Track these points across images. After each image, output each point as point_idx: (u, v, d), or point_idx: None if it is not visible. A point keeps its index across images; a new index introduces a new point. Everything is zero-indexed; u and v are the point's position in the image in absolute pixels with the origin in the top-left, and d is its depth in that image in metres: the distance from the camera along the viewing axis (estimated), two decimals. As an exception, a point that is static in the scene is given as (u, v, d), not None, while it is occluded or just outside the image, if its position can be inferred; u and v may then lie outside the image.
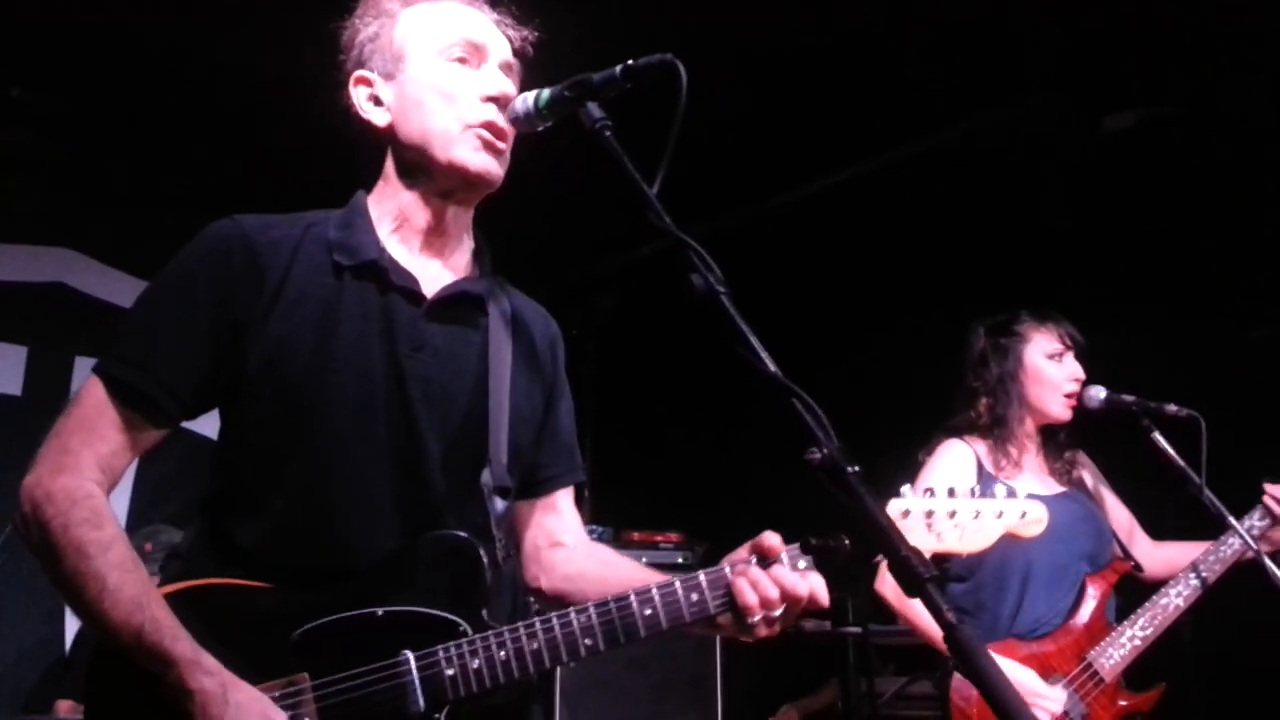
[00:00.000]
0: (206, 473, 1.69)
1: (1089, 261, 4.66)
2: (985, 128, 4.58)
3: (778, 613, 1.50)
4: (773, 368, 1.28)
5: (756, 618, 1.50)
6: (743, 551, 1.57)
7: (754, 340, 1.30)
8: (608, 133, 1.51)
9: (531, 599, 1.89)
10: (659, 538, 4.79)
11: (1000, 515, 1.71)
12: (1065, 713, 2.72)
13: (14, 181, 4.77)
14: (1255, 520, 2.88)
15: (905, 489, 1.69)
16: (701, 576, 1.54)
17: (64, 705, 4.44)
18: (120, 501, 4.85)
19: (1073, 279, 4.47)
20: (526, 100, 1.65)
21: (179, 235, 1.72)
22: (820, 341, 5.13)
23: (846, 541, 1.16)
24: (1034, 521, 1.74)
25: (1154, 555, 3.07)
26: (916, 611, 2.70)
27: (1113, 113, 4.49)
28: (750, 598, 1.49)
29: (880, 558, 1.12)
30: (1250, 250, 4.38)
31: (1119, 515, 3.12)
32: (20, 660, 4.77)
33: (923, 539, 1.66)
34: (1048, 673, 2.76)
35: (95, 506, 1.50)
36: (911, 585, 1.08)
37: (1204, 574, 2.86)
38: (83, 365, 5.02)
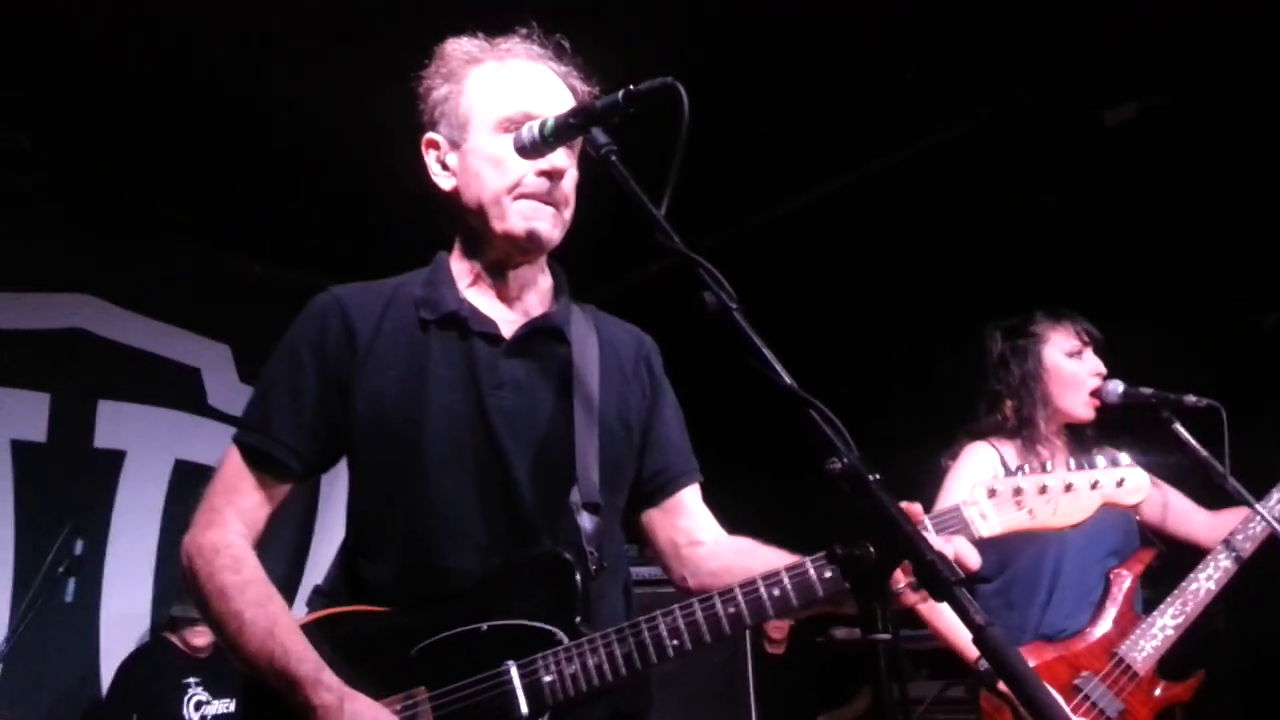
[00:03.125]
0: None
1: (1099, 255, 4.64)
2: (988, 124, 4.59)
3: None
4: (788, 380, 1.29)
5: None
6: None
7: (768, 354, 1.31)
8: (613, 157, 1.55)
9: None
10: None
11: (1095, 485, 1.66)
12: (1101, 710, 2.70)
13: (28, 230, 4.83)
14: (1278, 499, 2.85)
15: (987, 476, 1.67)
16: (783, 572, 1.62)
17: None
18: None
19: (1084, 273, 4.46)
20: (532, 129, 1.67)
21: (193, 279, 1.81)
22: (832, 347, 5.14)
23: (872, 549, 1.17)
24: (1134, 489, 1.68)
25: (1215, 525, 2.97)
26: (942, 617, 2.70)
27: (1114, 105, 4.50)
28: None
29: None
30: (1262, 236, 4.35)
31: (1161, 500, 3.06)
32: (56, 702, 4.81)
33: (1013, 517, 1.63)
34: (1078, 672, 2.75)
35: (236, 554, 1.71)
36: (938, 589, 1.09)
37: (1235, 552, 2.84)
38: (105, 409, 5.07)
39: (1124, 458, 1.71)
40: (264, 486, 1.78)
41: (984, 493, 1.64)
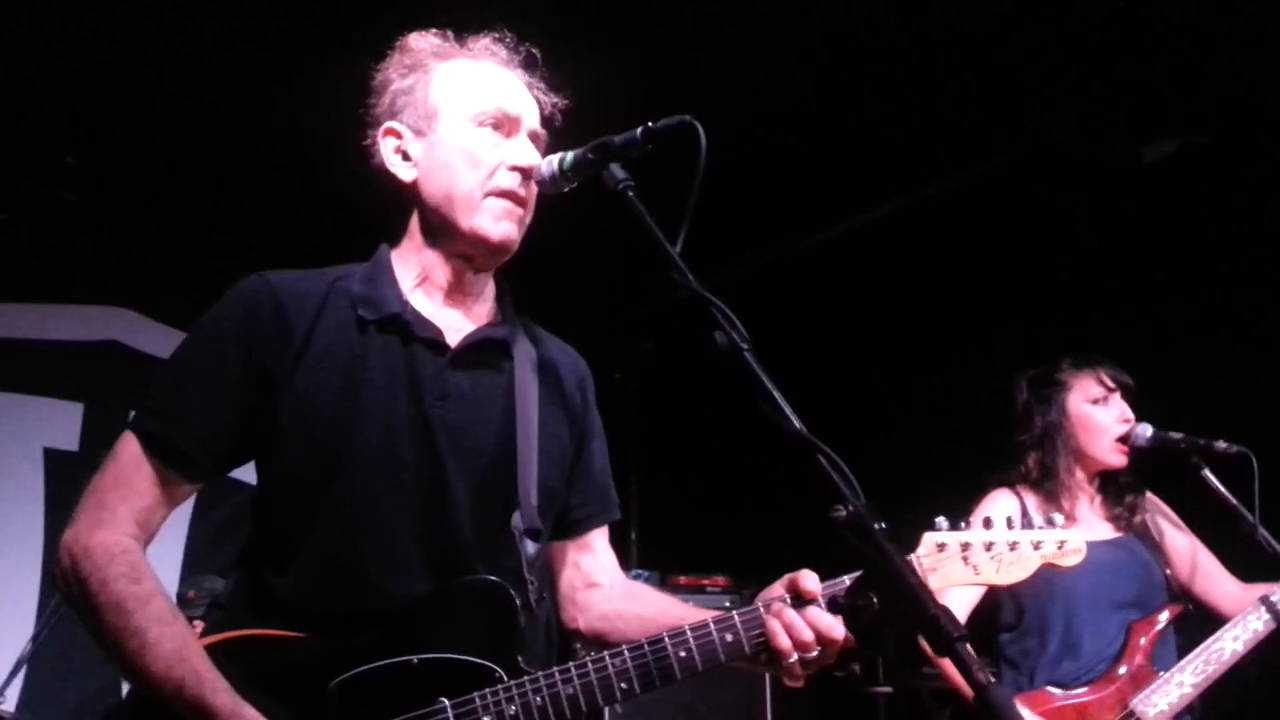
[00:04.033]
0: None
1: (1134, 295, 4.58)
2: (1024, 159, 4.55)
3: (813, 655, 1.48)
4: (797, 424, 1.28)
5: (792, 659, 1.49)
6: (778, 588, 1.55)
7: (778, 396, 1.31)
8: (630, 193, 1.55)
9: (578, 644, 1.90)
10: (706, 581, 4.76)
11: (1038, 546, 1.68)
12: None
13: (68, 242, 4.93)
14: None
15: (940, 520, 1.67)
16: (736, 617, 1.54)
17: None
18: (174, 552, 4.93)
19: (1117, 313, 4.40)
20: (551, 163, 1.68)
21: (227, 290, 1.75)
22: (858, 387, 5.10)
23: (875, 599, 1.15)
24: (1072, 551, 1.70)
25: (1240, 597, 2.89)
26: (949, 666, 2.65)
27: (1152, 142, 4.45)
28: (784, 641, 1.48)
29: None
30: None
31: (1193, 558, 3.00)
32: (80, 706, 4.85)
33: (960, 573, 1.65)
34: None
35: (132, 561, 1.53)
36: (940, 645, 1.07)
37: (1270, 614, 2.76)
38: (137, 421, 5.14)
39: (1059, 519, 1.73)
40: (165, 484, 1.59)
41: (934, 546, 1.64)
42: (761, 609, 1.53)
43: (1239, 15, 3.67)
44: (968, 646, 1.10)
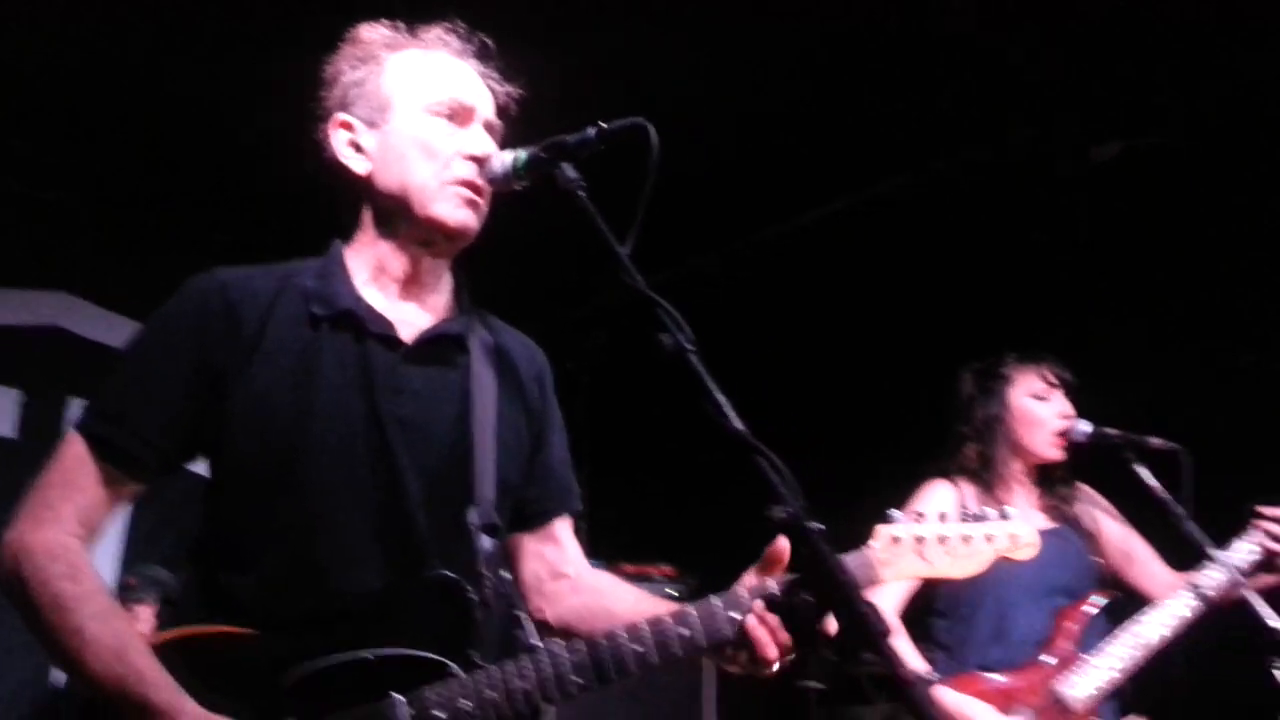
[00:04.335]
0: (198, 516, 1.71)
1: (1077, 293, 4.68)
2: (971, 162, 4.62)
3: (773, 652, 1.51)
4: (738, 425, 1.31)
5: (774, 664, 1.51)
6: (743, 590, 1.57)
7: (720, 398, 1.34)
8: (582, 193, 1.56)
9: (528, 637, 1.91)
10: (652, 570, 4.81)
11: (991, 540, 1.70)
12: None
13: (11, 225, 4.82)
14: (1239, 553, 2.85)
15: (895, 513, 1.70)
16: (693, 612, 1.56)
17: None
18: (114, 542, 4.86)
19: (1061, 312, 4.50)
20: (504, 160, 1.69)
21: (177, 279, 1.74)
22: (806, 383, 5.16)
23: (809, 598, 1.18)
24: (1026, 545, 1.72)
25: (1174, 584, 2.96)
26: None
27: (1099, 143, 4.54)
28: (771, 651, 1.50)
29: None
30: (1236, 276, 4.39)
31: (1126, 546, 3.09)
32: (13, 700, 4.77)
33: (914, 565, 1.66)
34: (1012, 706, 2.75)
35: (73, 561, 1.52)
36: (868, 641, 1.11)
37: (1195, 600, 2.82)
38: (78, 408, 5.03)
39: (1013, 511, 1.74)
40: (110, 483, 1.58)
41: (888, 538, 1.66)
42: (718, 604, 1.56)
43: (1201, 15, 3.73)
44: (895, 642, 1.14)
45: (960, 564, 1.68)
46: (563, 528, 1.92)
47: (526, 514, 1.86)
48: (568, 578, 1.88)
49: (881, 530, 1.67)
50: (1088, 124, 4.43)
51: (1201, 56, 3.96)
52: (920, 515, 1.70)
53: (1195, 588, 2.83)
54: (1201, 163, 4.34)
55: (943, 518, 1.70)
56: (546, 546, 1.89)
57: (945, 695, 2.67)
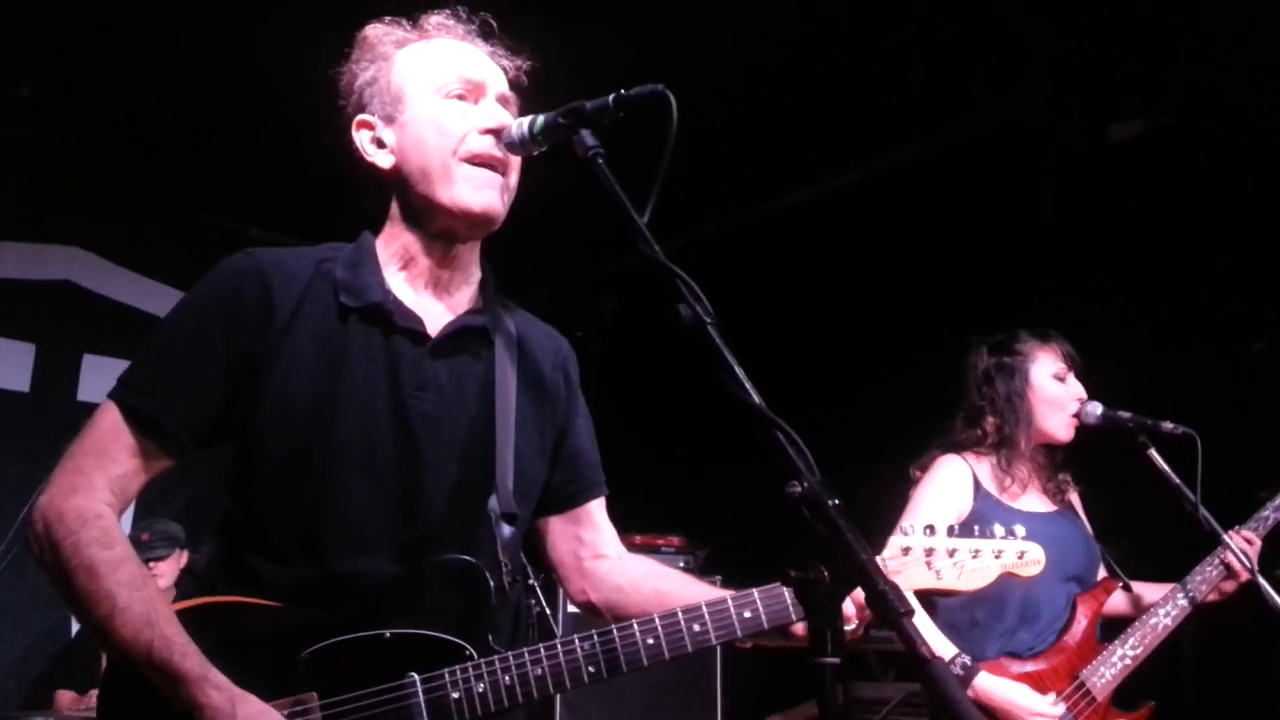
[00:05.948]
0: (223, 492, 1.74)
1: (1086, 273, 4.64)
2: (991, 130, 4.58)
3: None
4: (756, 399, 1.29)
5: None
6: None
7: (739, 371, 1.32)
8: (600, 160, 1.54)
9: (537, 619, 1.92)
10: (661, 541, 4.82)
11: (999, 555, 1.76)
12: None
13: (25, 180, 4.82)
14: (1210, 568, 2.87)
15: (908, 525, 1.74)
16: (705, 609, 1.61)
17: (65, 697, 4.49)
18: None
19: (1070, 291, 4.46)
20: (522, 125, 1.68)
21: (187, 235, 1.74)
22: (817, 353, 5.13)
23: (826, 574, 1.17)
24: (1032, 562, 1.78)
25: (1139, 599, 3.04)
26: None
27: (1118, 121, 4.49)
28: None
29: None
30: (1248, 261, 4.35)
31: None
32: (29, 651, 4.83)
33: (922, 576, 1.72)
34: (1040, 691, 2.76)
35: (105, 526, 1.55)
36: (888, 619, 1.10)
37: (1191, 594, 2.86)
38: (90, 363, 5.08)
39: (1020, 529, 1.80)
40: (142, 455, 1.60)
41: (899, 549, 1.70)
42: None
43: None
44: (915, 621, 1.13)
45: (967, 578, 1.74)
46: (597, 510, 1.94)
47: (556, 498, 1.90)
48: (608, 558, 1.91)
49: (893, 540, 1.71)
50: (1102, 100, 4.38)
51: (1216, 40, 3.91)
52: (931, 529, 1.73)
53: (1185, 586, 2.87)
54: (1218, 144, 4.29)
55: (952, 531, 1.75)
56: (583, 529, 1.92)
57: (987, 681, 2.70)
